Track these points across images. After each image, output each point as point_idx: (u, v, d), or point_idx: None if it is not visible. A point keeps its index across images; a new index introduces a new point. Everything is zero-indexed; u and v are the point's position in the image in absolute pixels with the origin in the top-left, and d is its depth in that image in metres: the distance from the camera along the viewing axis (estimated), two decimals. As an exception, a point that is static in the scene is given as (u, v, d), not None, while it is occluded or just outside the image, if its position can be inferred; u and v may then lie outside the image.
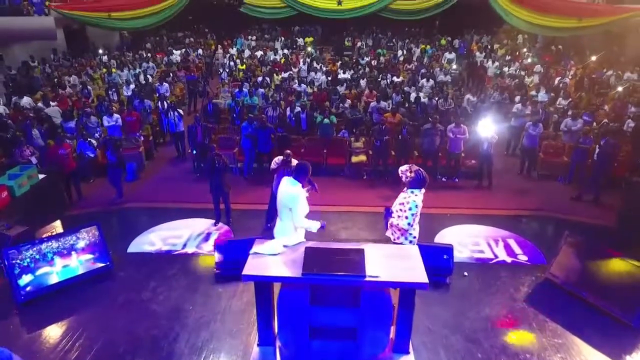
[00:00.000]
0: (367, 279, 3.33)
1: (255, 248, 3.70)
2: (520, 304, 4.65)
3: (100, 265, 5.36)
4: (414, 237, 4.31)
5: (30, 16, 12.45)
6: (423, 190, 4.23)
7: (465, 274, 5.16)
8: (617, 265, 4.58)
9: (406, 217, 4.14)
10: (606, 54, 14.87)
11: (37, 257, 5.10)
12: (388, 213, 4.35)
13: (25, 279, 4.94)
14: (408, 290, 3.54)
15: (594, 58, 14.49)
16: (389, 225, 4.40)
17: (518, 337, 4.31)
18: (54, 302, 4.77)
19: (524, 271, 5.23)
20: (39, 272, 5.04)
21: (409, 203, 4.14)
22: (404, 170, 4.32)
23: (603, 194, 8.22)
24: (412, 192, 4.20)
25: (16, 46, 13.74)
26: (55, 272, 5.12)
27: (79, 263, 5.30)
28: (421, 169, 4.26)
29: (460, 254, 6.07)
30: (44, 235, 5.53)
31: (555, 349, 4.17)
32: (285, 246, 3.74)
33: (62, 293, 4.93)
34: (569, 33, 14.42)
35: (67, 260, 5.23)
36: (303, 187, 4.10)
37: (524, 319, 4.44)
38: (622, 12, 12.76)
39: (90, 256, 5.39)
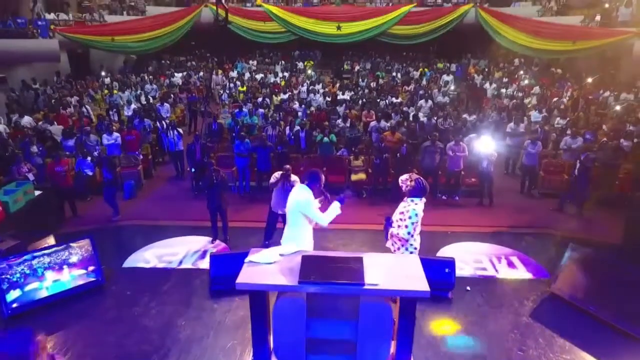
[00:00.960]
0: (366, 287, 3.20)
1: (251, 257, 3.58)
2: (525, 319, 4.48)
3: (92, 279, 5.21)
4: (415, 249, 4.19)
5: (35, 39, 12.68)
6: (424, 200, 4.15)
7: (468, 288, 5.00)
8: (623, 278, 4.44)
9: (406, 226, 4.04)
10: (602, 76, 15.09)
11: (28, 272, 4.96)
12: (388, 223, 4.26)
13: (13, 294, 4.78)
14: (409, 300, 3.40)
15: (590, 80, 14.71)
16: (389, 235, 4.30)
17: (525, 353, 4.12)
18: (42, 317, 4.61)
19: (528, 286, 5.08)
20: (28, 287, 4.88)
21: (408, 212, 4.05)
22: (404, 180, 4.27)
23: (606, 212, 8.21)
24: (412, 201, 4.12)
25: (20, 68, 13.94)
26: (45, 287, 4.97)
27: (70, 278, 5.15)
28: (421, 178, 4.20)
29: (463, 271, 5.93)
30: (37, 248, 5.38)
31: (564, 365, 3.99)
32: (281, 255, 3.63)
33: (51, 307, 4.77)
34: (564, 55, 14.73)
35: (58, 274, 5.08)
36: (315, 197, 4.15)
37: (530, 334, 4.26)
38: (614, 35, 13.04)
39: (82, 271, 5.24)
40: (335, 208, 4.10)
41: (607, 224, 7.78)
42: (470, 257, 6.80)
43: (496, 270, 6.48)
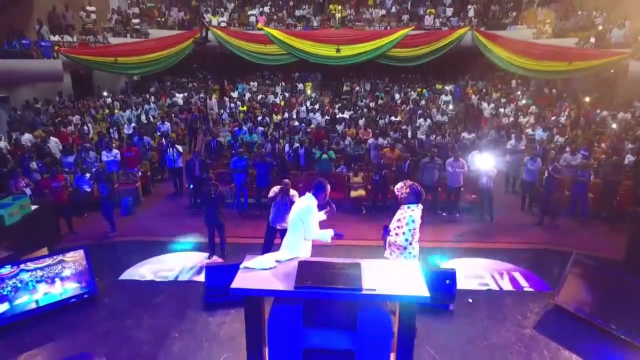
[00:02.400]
0: (364, 292, 3.11)
1: (246, 262, 3.50)
2: (529, 332, 4.34)
3: (84, 291, 5.09)
4: (414, 257, 4.10)
5: (38, 59, 12.89)
6: (420, 206, 4.10)
7: (470, 300, 4.88)
8: (628, 290, 4.33)
9: (403, 233, 3.97)
10: (599, 96, 15.26)
11: (19, 285, 4.85)
12: (386, 231, 4.19)
13: (1, 307, 4.65)
14: (408, 307, 3.29)
15: (587, 99, 14.88)
16: (387, 244, 4.22)
17: (530, 368, 3.98)
18: (32, 329, 4.47)
19: (531, 299, 4.96)
20: (18, 301, 4.76)
21: (405, 218, 3.99)
22: (399, 188, 4.25)
23: (609, 227, 8.19)
24: (408, 207, 4.07)
25: (24, 88, 14.11)
26: (35, 300, 4.84)
27: (63, 291, 5.03)
28: (416, 184, 4.17)
29: (464, 286, 5.81)
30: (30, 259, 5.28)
31: (571, 379, 3.83)
32: (277, 261, 3.55)
33: (41, 319, 4.64)
34: (560, 76, 14.90)
35: (50, 287, 4.97)
36: (322, 207, 4.16)
37: (535, 347, 4.11)
38: (609, 56, 13.23)
39: (75, 284, 5.12)
40: (327, 233, 4.08)
41: (609, 240, 7.71)
42: (472, 273, 6.70)
43: (498, 286, 6.37)
